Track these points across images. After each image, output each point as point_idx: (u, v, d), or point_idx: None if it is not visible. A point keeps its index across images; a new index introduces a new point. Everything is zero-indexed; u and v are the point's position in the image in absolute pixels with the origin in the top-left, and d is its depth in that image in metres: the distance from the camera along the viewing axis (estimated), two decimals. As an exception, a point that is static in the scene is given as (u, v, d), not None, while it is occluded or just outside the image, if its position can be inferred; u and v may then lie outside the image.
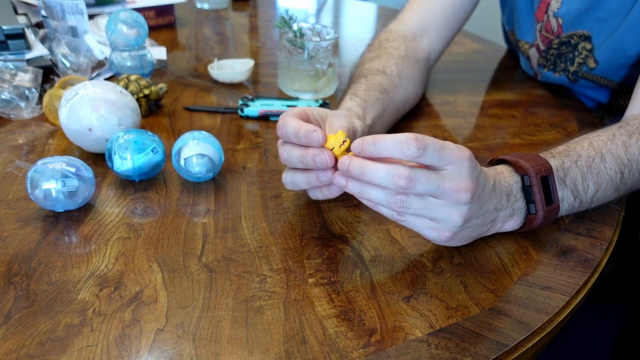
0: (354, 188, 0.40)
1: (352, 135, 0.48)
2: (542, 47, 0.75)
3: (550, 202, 0.44)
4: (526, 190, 0.44)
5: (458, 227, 0.40)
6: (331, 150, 0.42)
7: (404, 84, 0.64)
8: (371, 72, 0.62)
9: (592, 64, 0.70)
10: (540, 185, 0.43)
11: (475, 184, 0.39)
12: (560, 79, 0.75)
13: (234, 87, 0.76)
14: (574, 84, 0.75)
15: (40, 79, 0.67)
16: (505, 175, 0.44)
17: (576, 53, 0.71)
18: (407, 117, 0.69)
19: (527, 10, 0.77)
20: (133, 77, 0.64)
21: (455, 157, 0.38)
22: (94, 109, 0.52)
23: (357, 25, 1.13)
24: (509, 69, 0.90)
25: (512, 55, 0.95)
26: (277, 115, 0.66)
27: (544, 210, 0.43)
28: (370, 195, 0.39)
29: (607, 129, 0.51)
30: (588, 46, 0.69)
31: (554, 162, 0.45)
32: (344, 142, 0.42)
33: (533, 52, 0.78)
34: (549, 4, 0.72)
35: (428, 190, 0.37)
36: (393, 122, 0.64)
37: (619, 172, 0.47)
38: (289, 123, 0.43)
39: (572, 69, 0.73)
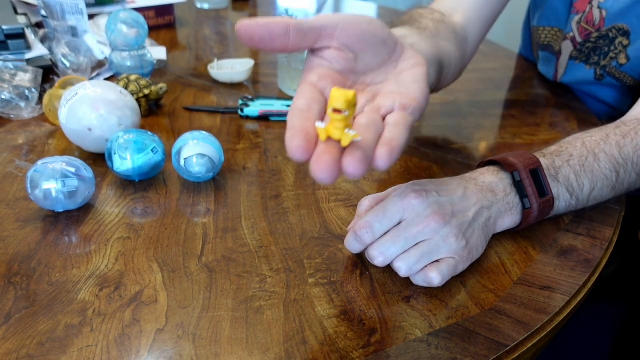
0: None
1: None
2: (578, 40, 0.72)
3: (544, 194, 0.44)
4: (518, 186, 0.44)
5: (462, 243, 0.40)
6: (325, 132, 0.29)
7: (445, 35, 0.56)
8: (402, 21, 0.57)
9: (623, 60, 0.68)
10: (530, 179, 0.44)
11: (437, 207, 0.40)
12: (588, 73, 0.73)
13: (234, 87, 0.76)
14: (598, 82, 0.72)
15: (40, 79, 0.67)
16: (486, 175, 0.45)
17: (612, 47, 0.68)
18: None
19: (563, 0, 0.74)
20: (133, 77, 0.64)
21: (402, 207, 0.40)
22: (93, 109, 0.52)
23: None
24: (509, 69, 0.90)
25: (512, 55, 0.95)
26: (277, 115, 0.66)
27: (538, 203, 0.44)
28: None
29: (602, 129, 0.51)
30: (625, 42, 0.67)
31: (544, 161, 0.46)
32: (351, 131, 0.29)
33: (567, 45, 0.75)
34: None
35: (404, 246, 0.39)
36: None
37: (614, 171, 0.47)
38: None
39: (602, 62, 0.70)
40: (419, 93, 0.37)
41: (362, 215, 0.43)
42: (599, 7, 0.68)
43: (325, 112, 0.34)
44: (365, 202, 0.44)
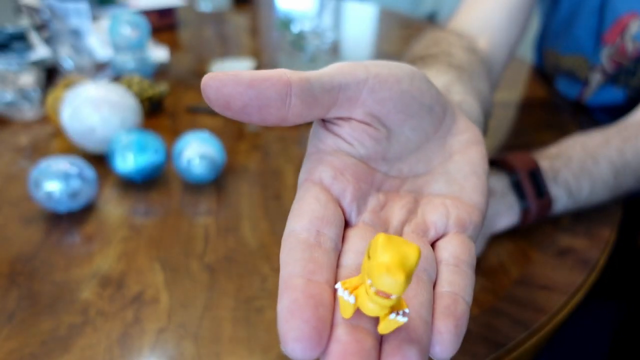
0: None
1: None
2: (609, 71, 0.67)
3: (542, 195, 0.44)
4: (516, 187, 0.45)
5: None
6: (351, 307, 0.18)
7: (477, 75, 0.45)
8: (430, 55, 0.44)
9: None
10: (528, 179, 0.44)
11: None
12: (617, 94, 0.68)
13: (235, 88, 0.76)
14: (627, 104, 0.67)
15: (43, 80, 0.67)
16: None
17: None
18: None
19: (589, 30, 0.68)
20: (135, 79, 0.65)
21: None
22: (96, 110, 0.52)
23: (358, 27, 1.14)
24: (508, 70, 0.91)
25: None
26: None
27: (536, 204, 0.44)
28: None
29: (602, 132, 0.50)
30: None
31: (543, 163, 0.46)
32: (399, 313, 0.18)
33: (595, 76, 0.69)
34: (625, 27, 0.63)
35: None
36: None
37: (613, 176, 0.47)
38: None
39: (632, 83, 0.65)
40: (479, 195, 0.26)
41: None
42: (632, 40, 0.63)
43: (342, 239, 0.22)
44: None
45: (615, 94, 0.68)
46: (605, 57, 0.67)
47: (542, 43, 0.84)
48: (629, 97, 0.66)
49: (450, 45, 0.47)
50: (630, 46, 0.63)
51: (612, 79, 0.68)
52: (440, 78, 0.37)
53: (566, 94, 0.77)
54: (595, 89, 0.71)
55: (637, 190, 0.51)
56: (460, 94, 0.35)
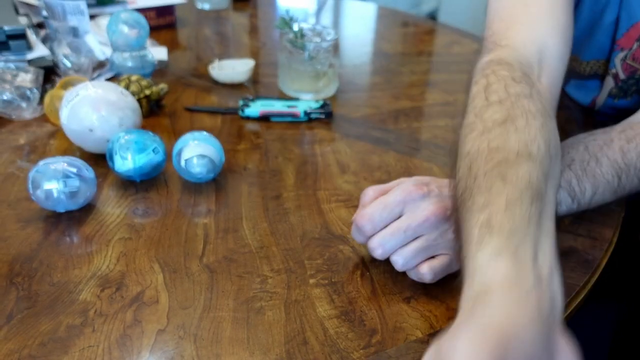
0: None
1: None
2: (622, 77, 0.65)
3: None
4: None
5: None
6: None
7: (557, 167, 0.39)
8: (509, 161, 0.35)
9: None
10: None
11: (438, 203, 0.40)
12: (629, 102, 0.67)
13: (234, 87, 0.76)
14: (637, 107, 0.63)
15: (41, 79, 0.67)
16: None
17: None
18: (408, 118, 0.69)
19: (605, 34, 0.66)
20: (134, 78, 0.64)
21: (403, 200, 0.40)
22: (95, 110, 0.52)
23: (358, 26, 1.14)
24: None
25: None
26: (278, 115, 0.66)
27: None
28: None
29: (606, 132, 0.50)
30: None
31: None
32: None
33: (609, 80, 0.68)
34: None
35: (403, 240, 0.40)
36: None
37: (616, 176, 0.47)
38: None
39: None
40: None
41: (365, 205, 0.43)
42: None
43: None
44: (370, 193, 0.44)
45: (628, 102, 0.67)
46: (618, 62, 0.66)
47: None
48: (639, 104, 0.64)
49: (527, 122, 0.38)
50: None
51: (623, 92, 0.67)
52: (528, 239, 0.32)
53: (578, 99, 0.76)
54: (605, 97, 0.69)
55: None
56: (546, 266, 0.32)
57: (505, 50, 0.48)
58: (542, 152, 0.36)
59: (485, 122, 0.38)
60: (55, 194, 0.45)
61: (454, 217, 0.37)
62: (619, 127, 0.51)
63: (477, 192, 0.33)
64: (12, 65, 0.67)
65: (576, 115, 0.73)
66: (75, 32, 0.78)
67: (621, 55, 0.66)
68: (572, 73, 0.76)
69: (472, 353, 0.23)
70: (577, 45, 0.73)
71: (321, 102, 0.70)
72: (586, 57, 0.71)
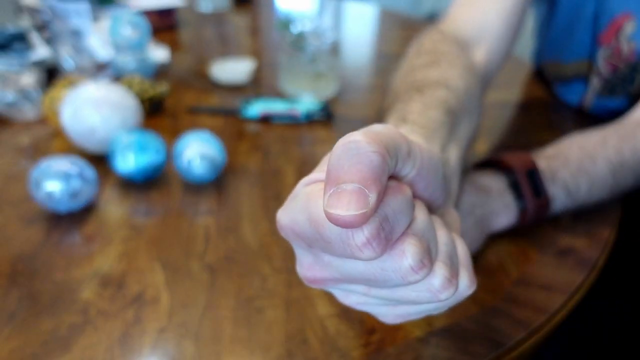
0: None
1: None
2: (605, 75, 0.67)
3: (540, 195, 0.44)
4: (514, 186, 0.45)
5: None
6: None
7: (472, 105, 0.44)
8: (428, 84, 0.41)
9: None
10: (526, 178, 0.44)
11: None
12: (619, 102, 0.67)
13: (235, 88, 0.76)
14: (627, 108, 0.65)
15: (43, 80, 0.67)
16: (482, 176, 0.45)
17: None
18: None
19: (585, 30, 0.67)
20: (136, 79, 0.65)
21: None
22: (96, 110, 0.52)
23: (358, 27, 1.14)
24: (506, 69, 0.91)
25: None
26: (279, 116, 0.67)
27: (534, 204, 0.44)
28: None
29: (600, 131, 0.50)
30: None
31: (541, 163, 0.46)
32: None
33: (594, 79, 0.69)
34: (620, 27, 0.62)
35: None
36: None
37: (611, 174, 0.47)
38: None
39: (632, 90, 0.65)
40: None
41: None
42: (627, 41, 0.62)
43: None
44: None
45: (617, 103, 0.67)
46: (601, 59, 0.67)
47: (540, 58, 0.83)
48: (630, 105, 0.64)
49: (450, 66, 0.45)
50: (625, 47, 0.63)
51: (609, 89, 0.67)
52: (438, 134, 0.35)
53: (568, 101, 0.76)
54: (593, 96, 0.70)
55: (636, 188, 0.51)
56: (453, 159, 0.35)
57: (444, 24, 0.55)
58: (460, 89, 0.41)
59: (412, 66, 0.45)
60: (57, 194, 0.45)
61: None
62: (612, 126, 0.51)
63: (397, 103, 0.38)
64: (14, 66, 0.67)
65: (570, 116, 0.73)
66: (77, 33, 0.78)
67: (604, 53, 0.66)
68: (555, 77, 0.76)
69: None
70: (559, 47, 0.73)
71: (321, 104, 0.70)
72: (568, 58, 0.72)
